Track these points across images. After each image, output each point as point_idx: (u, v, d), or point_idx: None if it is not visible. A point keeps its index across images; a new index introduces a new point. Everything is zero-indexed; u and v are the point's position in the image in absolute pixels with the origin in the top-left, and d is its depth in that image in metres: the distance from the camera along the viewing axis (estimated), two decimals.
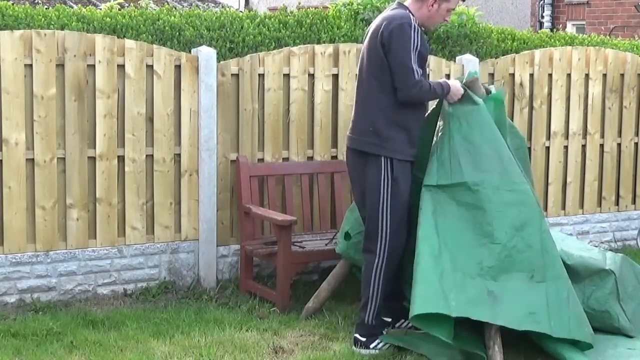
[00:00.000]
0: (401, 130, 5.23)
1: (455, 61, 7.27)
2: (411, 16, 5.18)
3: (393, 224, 5.25)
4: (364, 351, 5.27)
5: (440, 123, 5.32)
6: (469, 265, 5.01)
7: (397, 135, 5.22)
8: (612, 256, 5.72)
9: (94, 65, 6.01)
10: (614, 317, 5.49)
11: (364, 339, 5.31)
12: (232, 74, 6.48)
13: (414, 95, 5.14)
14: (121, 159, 6.17)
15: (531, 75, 7.54)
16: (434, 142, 5.28)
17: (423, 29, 5.32)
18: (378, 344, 5.30)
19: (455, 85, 5.29)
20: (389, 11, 5.32)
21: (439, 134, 5.28)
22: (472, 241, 5.06)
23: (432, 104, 5.52)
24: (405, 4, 5.29)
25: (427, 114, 5.47)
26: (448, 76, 6.99)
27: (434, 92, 5.22)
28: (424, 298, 4.87)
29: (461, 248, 5.04)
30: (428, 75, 5.51)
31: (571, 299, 5.06)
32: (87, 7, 6.93)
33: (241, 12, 7.88)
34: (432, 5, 5.22)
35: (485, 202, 5.08)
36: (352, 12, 7.54)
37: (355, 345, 5.32)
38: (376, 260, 5.29)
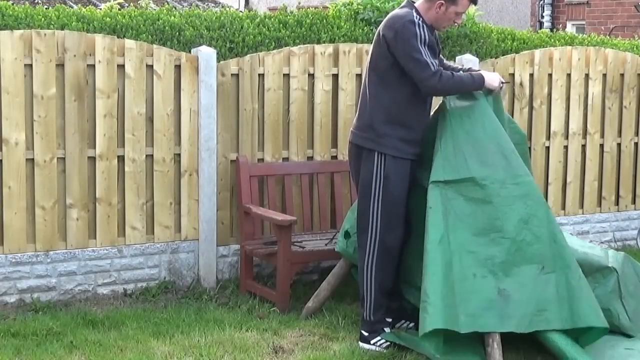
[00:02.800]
0: (399, 127, 5.25)
1: (455, 61, 7.26)
2: (414, 14, 5.20)
3: (384, 220, 5.29)
4: (366, 346, 5.34)
5: (440, 120, 5.32)
6: (480, 264, 5.01)
7: (394, 132, 5.25)
8: (614, 254, 5.73)
9: (94, 65, 6.01)
10: (614, 315, 5.47)
11: (366, 334, 5.38)
12: (232, 74, 6.48)
13: (436, 85, 5.13)
14: (121, 159, 6.17)
15: (531, 75, 7.54)
16: (436, 139, 5.28)
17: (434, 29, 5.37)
18: (379, 340, 5.34)
19: (491, 75, 5.29)
20: (395, 10, 5.38)
21: (440, 130, 5.27)
22: (482, 238, 5.06)
23: (434, 106, 5.52)
24: (416, 4, 5.31)
25: (432, 114, 5.48)
26: None
27: (461, 82, 5.20)
28: (435, 313, 4.87)
29: (472, 247, 5.04)
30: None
31: (583, 286, 5.06)
32: (87, 7, 6.93)
33: (241, 12, 7.88)
34: (440, 8, 5.23)
35: (493, 196, 5.10)
36: (352, 12, 7.55)
37: (360, 340, 5.40)
38: (366, 255, 5.36)
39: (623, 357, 5.19)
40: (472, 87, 5.26)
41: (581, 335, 5.07)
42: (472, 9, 7.67)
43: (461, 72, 5.39)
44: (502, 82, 5.47)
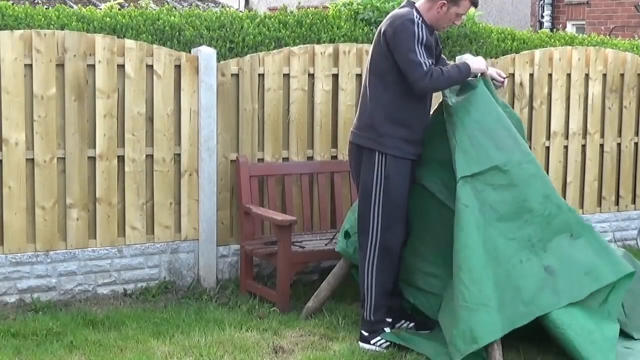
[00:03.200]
0: (400, 127, 5.25)
1: (455, 61, 7.25)
2: (415, 13, 5.21)
3: (384, 220, 5.29)
4: (366, 346, 5.34)
5: (447, 117, 5.32)
6: (522, 248, 5.05)
7: (394, 131, 5.25)
8: (615, 249, 5.74)
9: (94, 65, 6.01)
10: None
11: (366, 334, 5.38)
12: (232, 74, 6.48)
13: (427, 85, 5.15)
14: (121, 159, 6.17)
15: (531, 75, 7.54)
16: (451, 137, 5.26)
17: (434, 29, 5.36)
18: (379, 340, 5.34)
19: (476, 60, 5.34)
20: (396, 9, 5.39)
21: (451, 127, 5.27)
22: (517, 222, 5.10)
23: (433, 105, 5.53)
24: (417, 4, 5.30)
25: (431, 113, 5.49)
26: None
27: (449, 77, 5.21)
28: (492, 321, 4.86)
29: (511, 234, 5.07)
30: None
31: (607, 242, 5.24)
32: (87, 7, 6.94)
33: (241, 12, 7.88)
34: (441, 8, 5.23)
35: (516, 179, 5.15)
36: (352, 12, 7.55)
37: (360, 340, 5.39)
38: (367, 256, 5.36)
39: (622, 356, 5.18)
40: (461, 76, 5.29)
41: (612, 292, 5.14)
42: (472, 9, 7.67)
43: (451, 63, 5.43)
44: (504, 77, 5.51)
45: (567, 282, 5.01)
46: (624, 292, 5.20)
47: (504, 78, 5.52)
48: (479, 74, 5.36)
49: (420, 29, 5.15)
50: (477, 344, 4.84)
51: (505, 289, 4.94)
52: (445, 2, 5.22)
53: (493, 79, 5.46)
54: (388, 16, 5.35)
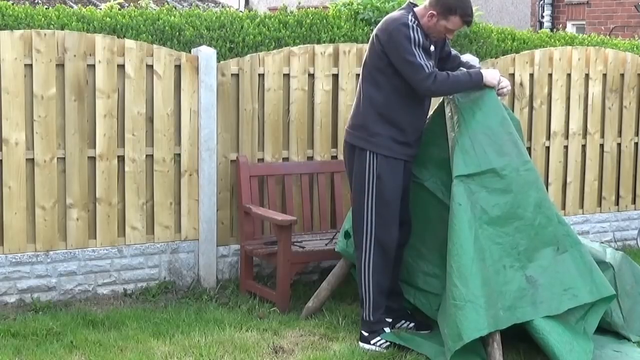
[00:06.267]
0: (391, 127, 5.26)
1: None
2: (410, 17, 5.20)
3: (378, 219, 5.30)
4: (366, 346, 5.34)
5: (451, 117, 5.31)
6: (507, 254, 5.05)
7: (386, 131, 5.26)
8: (613, 252, 5.75)
9: (94, 65, 6.01)
10: (607, 312, 5.45)
11: (366, 334, 5.38)
12: (232, 74, 6.48)
13: (430, 87, 5.13)
14: (121, 159, 6.17)
15: (531, 75, 7.54)
16: (452, 136, 5.26)
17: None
18: (379, 340, 5.34)
19: (490, 72, 5.28)
20: (394, 11, 5.39)
21: (455, 126, 5.26)
22: (507, 227, 5.10)
23: (433, 106, 5.53)
24: (416, 8, 5.29)
25: (429, 115, 5.49)
26: None
27: (457, 82, 5.18)
28: (479, 318, 4.86)
29: (499, 239, 5.07)
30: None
31: (592, 259, 5.22)
32: (87, 7, 6.94)
33: (241, 12, 7.88)
34: (431, 18, 5.21)
35: (513, 185, 5.14)
36: (352, 12, 7.55)
37: (360, 341, 5.39)
38: (363, 255, 5.37)
39: (610, 359, 5.17)
40: (469, 85, 5.24)
41: (590, 310, 5.15)
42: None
43: (464, 69, 5.37)
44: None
45: (546, 295, 5.02)
46: (602, 311, 5.20)
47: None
48: None
49: (415, 32, 5.14)
50: (462, 340, 4.85)
51: (491, 289, 4.95)
52: (434, 13, 5.19)
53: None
54: (382, 20, 5.34)
